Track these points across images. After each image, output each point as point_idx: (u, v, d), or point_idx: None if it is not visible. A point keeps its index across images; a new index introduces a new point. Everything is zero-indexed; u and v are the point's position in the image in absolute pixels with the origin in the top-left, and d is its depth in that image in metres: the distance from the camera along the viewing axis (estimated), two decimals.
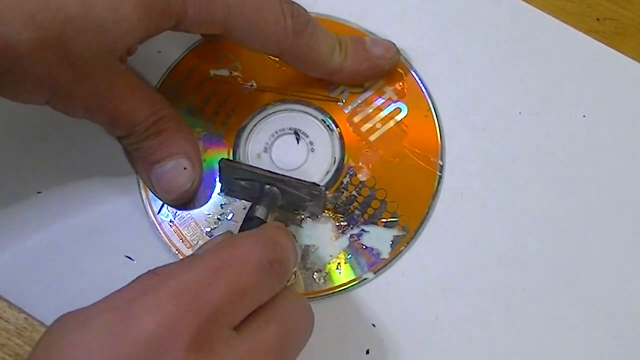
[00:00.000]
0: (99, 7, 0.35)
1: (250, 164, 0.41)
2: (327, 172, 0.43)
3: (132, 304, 0.30)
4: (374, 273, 0.41)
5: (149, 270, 0.32)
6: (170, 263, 0.33)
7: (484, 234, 0.42)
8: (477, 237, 0.42)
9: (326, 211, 0.42)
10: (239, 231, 0.38)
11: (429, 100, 0.45)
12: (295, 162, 0.43)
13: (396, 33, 0.46)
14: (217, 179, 0.42)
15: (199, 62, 0.46)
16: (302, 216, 0.41)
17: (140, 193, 0.43)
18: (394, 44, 0.44)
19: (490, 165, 0.43)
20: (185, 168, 0.41)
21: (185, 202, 0.42)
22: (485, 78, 0.45)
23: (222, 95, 0.45)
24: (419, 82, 0.45)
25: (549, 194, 0.43)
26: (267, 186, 0.40)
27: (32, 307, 0.40)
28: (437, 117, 0.44)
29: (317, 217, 0.41)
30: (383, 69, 0.44)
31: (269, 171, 0.40)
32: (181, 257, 0.42)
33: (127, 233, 0.42)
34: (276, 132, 0.44)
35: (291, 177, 0.39)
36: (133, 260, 0.41)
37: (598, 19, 0.46)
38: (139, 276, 0.32)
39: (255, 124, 0.44)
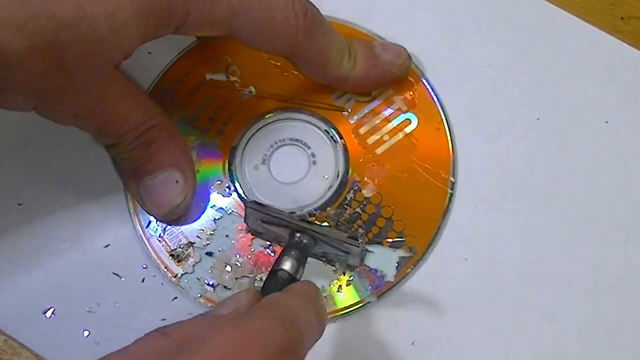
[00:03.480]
0: (96, 13, 0.35)
1: (276, 207, 0.39)
2: (330, 187, 0.42)
3: None
4: (378, 297, 0.40)
5: (156, 331, 0.31)
6: (184, 323, 0.32)
7: (499, 251, 0.41)
8: (492, 255, 0.41)
9: (329, 226, 0.41)
10: (264, 286, 0.36)
11: (441, 112, 0.43)
12: (295, 175, 0.42)
13: (404, 36, 0.45)
14: (243, 219, 0.41)
15: (194, 66, 0.44)
16: (336, 269, 0.40)
17: (128, 206, 0.42)
18: (405, 49, 0.43)
19: (505, 175, 0.42)
20: (177, 181, 0.40)
21: (176, 217, 0.41)
22: (501, 81, 0.44)
23: (218, 101, 0.44)
24: (431, 91, 0.44)
25: (570, 207, 0.42)
26: (298, 234, 0.38)
27: (12, 328, 0.39)
28: (449, 129, 0.43)
29: (354, 269, 0.40)
30: (394, 75, 0.43)
31: (302, 219, 0.38)
32: (170, 274, 0.40)
33: (114, 249, 0.41)
34: (275, 143, 0.43)
35: (326, 229, 0.37)
36: (121, 277, 0.40)
37: (622, 18, 0.45)
38: (147, 337, 0.31)
39: (254, 134, 0.43)
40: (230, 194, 0.42)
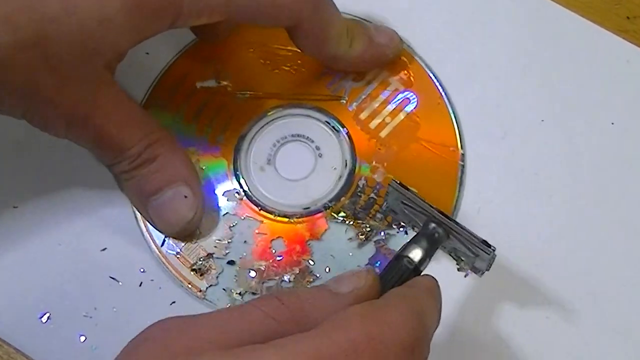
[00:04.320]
0: (82, 6, 0.34)
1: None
2: (340, 177, 0.42)
3: (253, 353, 0.28)
4: None
5: (273, 295, 0.30)
6: (301, 294, 0.31)
7: (503, 254, 0.40)
8: (495, 258, 0.39)
9: (345, 219, 0.41)
10: (385, 269, 0.35)
11: (439, 86, 0.43)
12: (303, 171, 0.42)
13: (406, 33, 0.44)
14: (384, 198, 0.40)
15: (183, 76, 0.44)
16: (461, 267, 0.39)
17: (140, 228, 0.41)
18: (397, 33, 0.43)
19: (510, 178, 0.42)
20: (185, 196, 0.39)
21: (190, 232, 0.40)
22: (504, 82, 0.44)
23: (213, 108, 0.43)
24: (426, 68, 0.44)
25: (575, 209, 0.41)
26: (433, 225, 0.36)
27: (8, 333, 0.39)
28: (450, 102, 0.43)
29: (480, 274, 0.38)
30: (387, 57, 0.43)
31: (440, 211, 0.36)
32: (195, 290, 0.40)
33: (111, 252, 0.40)
34: (278, 141, 0.42)
35: (462, 226, 0.36)
36: (119, 282, 0.40)
37: (628, 17, 0.45)
38: (263, 299, 0.30)
39: (254, 135, 0.43)
40: (242, 199, 0.41)
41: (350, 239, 0.40)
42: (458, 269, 0.39)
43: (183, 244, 0.40)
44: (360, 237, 0.40)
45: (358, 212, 0.41)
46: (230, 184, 0.41)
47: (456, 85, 0.44)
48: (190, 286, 0.40)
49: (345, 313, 0.30)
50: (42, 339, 0.39)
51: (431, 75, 0.43)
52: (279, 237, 0.40)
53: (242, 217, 0.41)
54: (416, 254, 0.35)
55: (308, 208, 0.41)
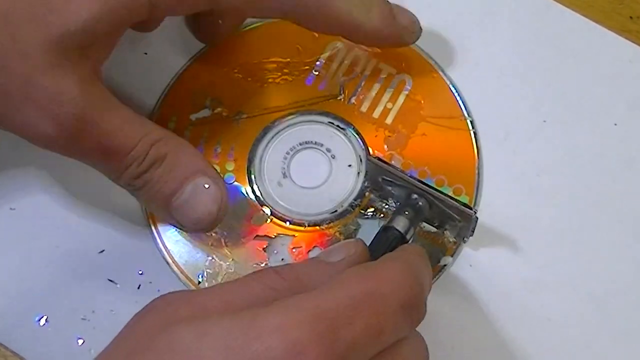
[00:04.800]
0: None
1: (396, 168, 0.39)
2: (358, 173, 0.42)
3: (257, 317, 0.28)
4: (452, 256, 0.40)
5: (270, 268, 0.31)
6: (296, 266, 0.32)
7: (504, 256, 0.40)
8: (497, 260, 0.40)
9: (375, 212, 0.41)
10: (373, 241, 0.36)
11: (430, 59, 0.43)
12: (320, 176, 0.42)
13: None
14: (364, 176, 0.41)
15: (176, 110, 0.43)
16: (447, 237, 0.40)
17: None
18: (418, 20, 0.42)
19: (511, 180, 0.42)
20: (207, 186, 0.37)
21: (219, 223, 0.38)
22: (505, 82, 0.44)
23: (214, 137, 0.42)
24: (417, 49, 0.44)
25: (577, 211, 0.41)
26: (415, 195, 0.37)
27: (4, 336, 0.39)
28: (444, 72, 0.43)
29: (464, 241, 0.39)
30: (404, 41, 0.41)
31: (419, 180, 0.37)
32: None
33: (109, 254, 0.40)
34: (287, 153, 0.42)
35: (442, 192, 0.37)
36: (117, 284, 0.40)
37: (631, 17, 0.45)
38: (260, 272, 0.31)
39: (262, 153, 0.42)
40: (269, 219, 0.41)
41: None
42: (446, 241, 0.40)
43: (214, 272, 0.40)
44: None
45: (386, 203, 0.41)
46: (253, 207, 0.41)
47: (456, 86, 0.43)
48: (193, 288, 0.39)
49: (343, 274, 0.31)
50: (39, 342, 0.38)
51: (419, 51, 0.43)
52: (315, 246, 0.40)
53: (273, 237, 0.40)
54: (401, 223, 0.36)
55: (336, 211, 0.41)
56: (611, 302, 0.39)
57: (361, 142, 0.42)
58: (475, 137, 0.42)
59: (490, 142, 0.42)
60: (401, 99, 0.43)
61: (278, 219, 0.41)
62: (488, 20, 0.45)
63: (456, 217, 0.38)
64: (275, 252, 0.40)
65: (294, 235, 0.40)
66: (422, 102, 0.43)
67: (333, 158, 0.42)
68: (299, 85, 0.43)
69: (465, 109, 0.42)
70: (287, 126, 0.42)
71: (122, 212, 0.41)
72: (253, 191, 0.41)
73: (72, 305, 0.39)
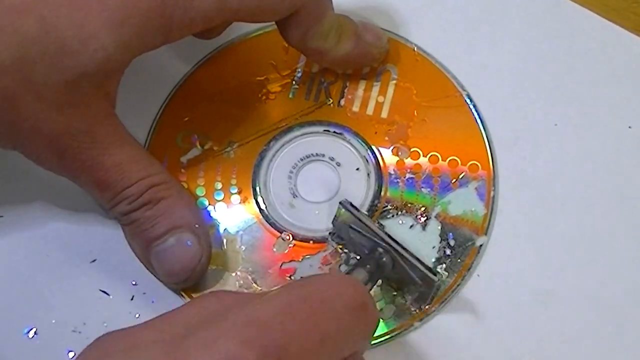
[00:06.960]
0: (61, 25, 0.34)
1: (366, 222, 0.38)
2: (369, 174, 0.41)
3: (187, 339, 0.28)
4: (485, 234, 0.40)
5: (210, 292, 0.33)
6: (240, 292, 0.32)
7: (514, 266, 0.40)
8: (507, 269, 0.40)
9: (396, 210, 0.41)
10: None
11: (409, 42, 0.44)
12: (330, 186, 0.41)
13: (413, 32, 0.44)
14: (332, 221, 0.40)
15: (164, 150, 0.42)
16: (405, 300, 0.39)
17: None
18: (384, 32, 0.43)
19: (522, 185, 0.42)
20: (189, 244, 0.38)
21: (194, 283, 0.39)
22: (516, 84, 0.44)
23: (210, 174, 0.42)
24: (394, 36, 0.44)
25: (590, 217, 0.41)
26: (380, 250, 0.37)
27: None
28: (426, 53, 0.43)
29: (420, 307, 0.39)
30: (373, 57, 0.43)
31: (388, 235, 0.37)
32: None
33: (101, 265, 0.40)
34: (291, 172, 0.42)
35: (410, 253, 0.37)
36: (109, 295, 0.39)
37: None
38: (199, 297, 0.32)
39: (265, 178, 0.42)
40: (291, 244, 0.40)
41: (412, 226, 0.40)
42: (403, 303, 0.39)
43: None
44: (420, 219, 0.40)
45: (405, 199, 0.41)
46: (273, 237, 0.40)
47: (442, 63, 0.43)
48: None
49: (282, 286, 0.31)
50: (28, 355, 0.38)
51: (400, 40, 0.44)
52: None
53: (300, 260, 0.40)
54: (361, 276, 0.36)
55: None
56: (624, 309, 0.39)
57: (362, 143, 0.42)
58: (476, 109, 0.42)
59: (500, 147, 0.42)
60: (391, 89, 0.43)
61: (300, 240, 0.40)
62: (497, 19, 0.45)
63: (418, 280, 0.37)
64: (304, 274, 0.39)
65: (319, 252, 0.40)
66: (413, 88, 0.42)
67: (338, 165, 0.41)
68: (284, 100, 0.42)
69: (458, 83, 0.43)
70: (283, 144, 0.42)
71: (114, 220, 0.40)
72: (267, 219, 0.40)
73: (62, 317, 0.39)
